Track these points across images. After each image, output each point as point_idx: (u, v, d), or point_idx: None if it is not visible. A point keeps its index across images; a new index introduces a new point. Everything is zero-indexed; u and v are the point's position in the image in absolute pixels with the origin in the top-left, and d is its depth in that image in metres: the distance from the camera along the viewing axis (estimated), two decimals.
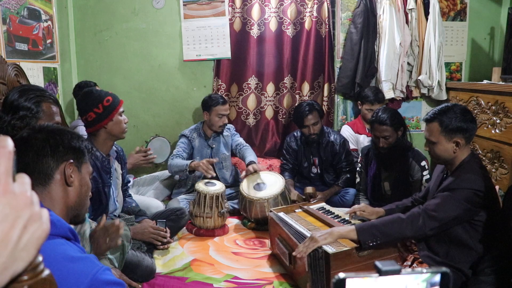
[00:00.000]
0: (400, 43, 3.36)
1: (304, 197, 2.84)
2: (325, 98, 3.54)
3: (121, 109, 2.12)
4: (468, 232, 1.76)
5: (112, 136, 2.12)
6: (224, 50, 3.51)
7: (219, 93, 3.50)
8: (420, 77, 3.43)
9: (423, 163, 2.48)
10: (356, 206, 2.18)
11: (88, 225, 1.63)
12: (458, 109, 1.79)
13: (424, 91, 3.51)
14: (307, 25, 3.47)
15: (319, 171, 3.15)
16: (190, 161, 2.78)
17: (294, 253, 1.84)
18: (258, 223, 2.72)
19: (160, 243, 2.25)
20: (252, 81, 3.57)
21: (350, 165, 3.07)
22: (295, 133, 3.20)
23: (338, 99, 3.64)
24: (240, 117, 3.62)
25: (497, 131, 2.78)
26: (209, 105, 3.05)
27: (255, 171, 2.87)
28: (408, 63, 3.49)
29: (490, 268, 1.71)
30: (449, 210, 1.70)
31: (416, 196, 2.19)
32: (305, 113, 2.94)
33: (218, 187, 2.70)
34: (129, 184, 2.51)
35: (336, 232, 1.80)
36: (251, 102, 3.61)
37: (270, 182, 2.80)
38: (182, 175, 3.02)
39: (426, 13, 3.39)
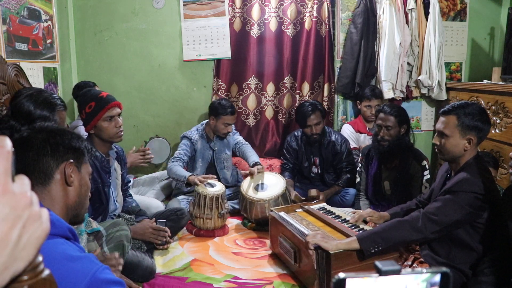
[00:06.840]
0: (400, 43, 3.36)
1: (303, 198, 2.85)
2: (325, 98, 3.54)
3: (110, 114, 2.03)
4: (469, 233, 1.75)
5: (103, 140, 2.09)
6: (224, 50, 3.51)
7: (219, 93, 3.50)
8: (420, 77, 3.42)
9: (424, 162, 2.48)
10: (362, 212, 2.15)
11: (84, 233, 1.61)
12: (477, 107, 1.79)
13: (424, 91, 3.51)
14: (307, 25, 3.47)
15: (319, 171, 3.15)
16: (189, 174, 2.73)
17: (307, 238, 1.83)
18: (259, 224, 2.72)
19: (160, 242, 2.24)
20: (252, 81, 3.57)
21: (350, 165, 3.07)
22: (295, 133, 3.20)
23: (338, 99, 3.64)
24: (240, 117, 3.61)
25: (497, 131, 2.78)
26: (218, 113, 3.00)
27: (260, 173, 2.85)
28: (408, 63, 3.49)
29: (489, 269, 1.70)
30: (450, 213, 1.69)
31: (421, 198, 2.17)
32: (308, 113, 2.94)
33: (218, 188, 2.69)
34: (129, 184, 2.50)
35: (340, 245, 1.78)
36: (251, 102, 3.61)
37: (271, 183, 2.79)
38: (179, 184, 2.98)
39: (426, 13, 3.39)
